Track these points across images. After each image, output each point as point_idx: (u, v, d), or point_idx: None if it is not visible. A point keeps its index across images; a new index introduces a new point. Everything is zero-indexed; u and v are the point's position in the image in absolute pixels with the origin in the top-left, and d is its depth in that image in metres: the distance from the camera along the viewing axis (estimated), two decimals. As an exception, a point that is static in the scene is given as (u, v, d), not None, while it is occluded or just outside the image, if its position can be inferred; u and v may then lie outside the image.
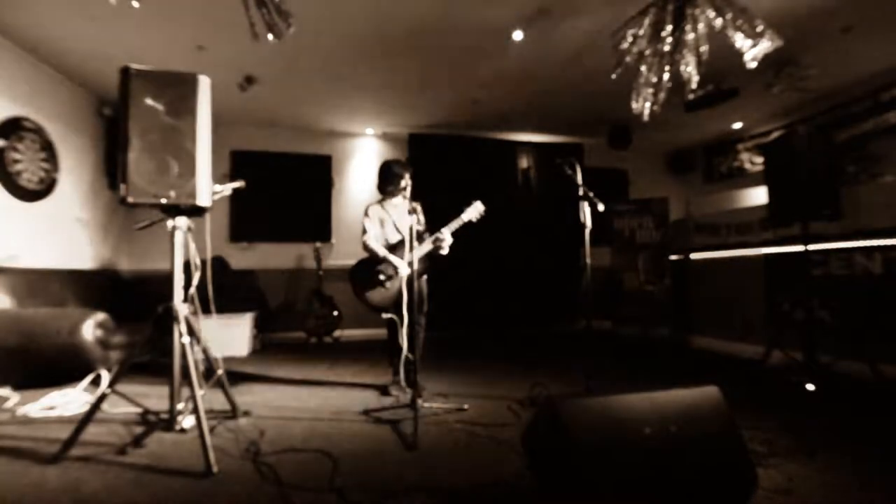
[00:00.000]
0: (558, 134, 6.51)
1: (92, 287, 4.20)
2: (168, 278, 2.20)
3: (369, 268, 3.11)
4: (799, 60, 4.21)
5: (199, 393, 2.03)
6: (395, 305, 2.98)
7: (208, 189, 2.17)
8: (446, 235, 3.02)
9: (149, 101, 2.05)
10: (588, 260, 2.81)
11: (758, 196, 5.77)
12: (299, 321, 5.52)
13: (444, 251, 3.05)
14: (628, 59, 3.13)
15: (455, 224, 3.06)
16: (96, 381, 2.98)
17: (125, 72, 2.04)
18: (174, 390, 2.22)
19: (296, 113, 5.61)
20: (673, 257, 5.59)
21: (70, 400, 2.74)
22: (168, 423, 2.25)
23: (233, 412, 2.53)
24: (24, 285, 3.51)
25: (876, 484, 1.76)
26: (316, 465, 1.90)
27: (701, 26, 2.87)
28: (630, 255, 6.00)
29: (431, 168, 5.63)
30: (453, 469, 1.89)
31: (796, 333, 3.33)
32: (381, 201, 3.29)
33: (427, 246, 3.02)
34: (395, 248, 3.11)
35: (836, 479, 1.77)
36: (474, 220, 3.10)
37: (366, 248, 3.13)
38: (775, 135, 5.91)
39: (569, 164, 2.86)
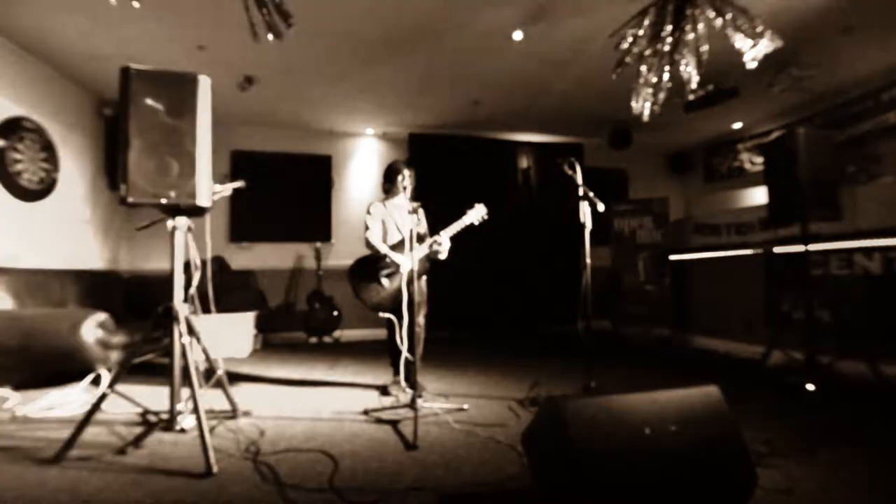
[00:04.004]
0: (558, 134, 6.51)
1: (92, 287, 4.20)
2: (168, 278, 2.21)
3: (368, 266, 3.11)
4: (799, 60, 4.21)
5: (199, 393, 2.03)
6: (394, 305, 2.99)
7: (208, 189, 2.17)
8: (444, 239, 3.00)
9: (149, 101, 2.05)
10: (588, 260, 2.81)
11: (758, 196, 5.78)
12: (299, 321, 5.52)
13: (443, 256, 3.04)
14: (628, 59, 3.14)
15: (456, 227, 3.05)
16: (96, 381, 2.98)
17: (125, 72, 2.05)
18: (174, 390, 2.22)
19: (296, 113, 5.61)
20: (673, 257, 5.59)
21: (70, 400, 2.74)
22: (168, 423, 2.25)
23: (233, 412, 2.53)
24: (24, 285, 3.51)
25: (876, 484, 1.77)
26: (316, 465, 1.90)
27: (701, 26, 2.88)
28: (630, 255, 6.01)
29: (431, 168, 5.60)
30: (453, 469, 1.89)
31: (796, 333, 3.33)
32: (383, 200, 3.29)
33: (425, 248, 3.01)
34: (396, 248, 3.11)
35: (836, 479, 1.77)
36: (476, 223, 3.09)
37: (368, 244, 3.12)
38: (775, 135, 5.90)
39: (569, 164, 2.86)
